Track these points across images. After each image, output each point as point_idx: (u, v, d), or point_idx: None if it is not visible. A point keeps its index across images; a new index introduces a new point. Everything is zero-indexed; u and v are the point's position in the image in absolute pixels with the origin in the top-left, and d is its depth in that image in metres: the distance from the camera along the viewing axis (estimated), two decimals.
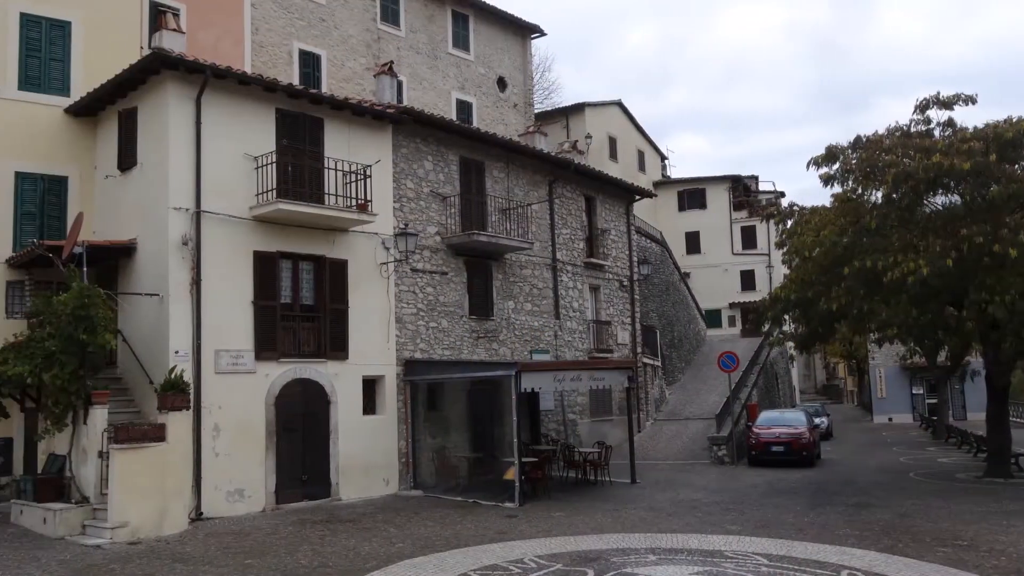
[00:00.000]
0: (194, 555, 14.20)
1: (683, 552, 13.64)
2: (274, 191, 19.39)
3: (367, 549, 14.39)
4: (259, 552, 14.35)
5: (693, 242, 62.39)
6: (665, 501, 20.24)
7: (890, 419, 55.79)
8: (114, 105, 20.57)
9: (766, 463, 28.51)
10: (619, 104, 53.67)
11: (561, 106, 50.89)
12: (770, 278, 58.09)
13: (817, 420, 37.29)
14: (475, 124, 33.58)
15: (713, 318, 59.57)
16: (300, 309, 20.56)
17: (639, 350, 33.97)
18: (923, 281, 19.92)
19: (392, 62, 26.52)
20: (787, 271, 27.47)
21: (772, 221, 28.12)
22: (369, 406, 21.81)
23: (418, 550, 14.19)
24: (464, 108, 35.57)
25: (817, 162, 22.91)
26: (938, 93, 22.72)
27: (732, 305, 61.45)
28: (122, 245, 19.56)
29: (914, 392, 56.57)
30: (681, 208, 62.73)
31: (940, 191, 22.24)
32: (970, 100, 22.15)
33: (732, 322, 61.63)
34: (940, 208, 22.67)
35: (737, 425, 31.81)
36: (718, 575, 11.98)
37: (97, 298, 16.94)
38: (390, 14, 32.74)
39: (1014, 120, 21.46)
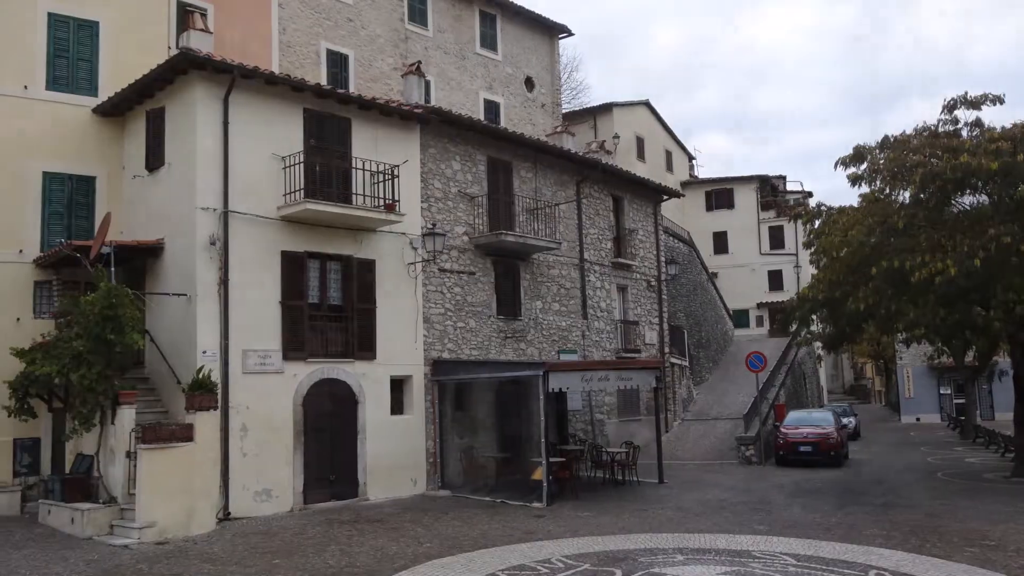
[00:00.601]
0: (222, 555, 14.26)
1: (711, 552, 13.59)
2: (302, 191, 19.42)
3: (395, 549, 14.40)
4: (287, 552, 14.40)
5: (721, 242, 62.20)
6: (693, 501, 20.17)
7: (918, 419, 55.46)
8: (142, 105, 20.65)
9: (794, 463, 28.38)
10: (647, 104, 53.50)
11: (589, 106, 50.93)
12: (798, 278, 57.77)
13: (845, 420, 37.09)
14: (503, 124, 33.58)
15: (741, 318, 59.32)
16: (328, 309, 20.57)
17: (667, 350, 33.83)
18: (951, 281, 19.84)
19: (420, 62, 26.53)
20: (815, 271, 27.34)
21: (800, 221, 28.07)
22: (397, 406, 21.83)
23: (446, 550, 14.20)
24: (492, 108, 35.56)
25: (845, 162, 22.86)
26: (966, 93, 22.63)
27: (760, 305, 61.17)
28: (150, 245, 19.64)
29: (942, 392, 56.19)
30: (709, 208, 62.54)
31: (968, 191, 22.17)
32: (998, 100, 22.03)
33: (760, 322, 61.35)
34: (968, 208, 22.57)
35: (765, 425, 31.69)
36: (746, 575, 11.93)
37: (125, 298, 17.00)
38: (417, 14, 32.78)
39: None
